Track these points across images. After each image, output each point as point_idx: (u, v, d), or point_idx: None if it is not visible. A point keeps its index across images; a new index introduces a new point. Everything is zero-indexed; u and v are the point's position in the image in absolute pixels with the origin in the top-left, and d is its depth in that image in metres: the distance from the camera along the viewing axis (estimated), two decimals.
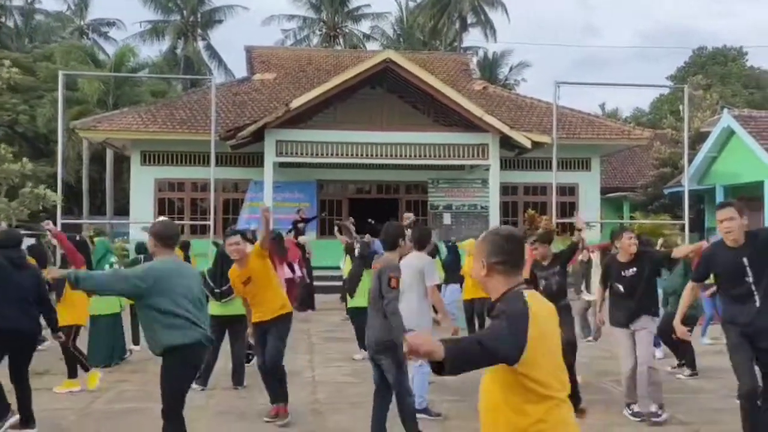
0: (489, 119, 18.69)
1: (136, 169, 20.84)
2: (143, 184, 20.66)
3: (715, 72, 42.55)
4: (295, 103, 18.31)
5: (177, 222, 20.21)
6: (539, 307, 2.48)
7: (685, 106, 19.76)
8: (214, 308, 7.26)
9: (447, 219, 21.34)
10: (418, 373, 6.03)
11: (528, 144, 18.63)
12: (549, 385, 2.43)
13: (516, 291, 2.51)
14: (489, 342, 2.29)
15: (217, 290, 7.35)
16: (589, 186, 21.85)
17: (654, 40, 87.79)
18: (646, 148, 28.97)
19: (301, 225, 17.71)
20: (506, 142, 19.31)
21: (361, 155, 19.22)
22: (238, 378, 7.31)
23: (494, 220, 19.32)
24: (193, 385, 6.94)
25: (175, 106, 21.39)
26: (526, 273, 8.53)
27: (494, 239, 2.61)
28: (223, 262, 7.36)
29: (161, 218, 6.14)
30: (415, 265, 5.94)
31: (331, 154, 19.14)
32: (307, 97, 18.49)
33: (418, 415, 5.65)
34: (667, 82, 44.59)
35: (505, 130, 18.67)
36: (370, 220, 21.04)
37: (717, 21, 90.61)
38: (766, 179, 20.06)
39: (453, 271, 11.18)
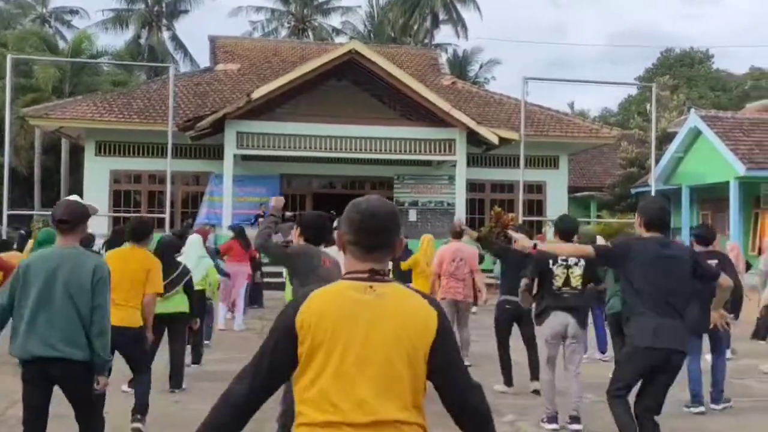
0: (456, 114, 18.32)
1: (91, 160, 20.04)
2: (98, 176, 19.86)
3: (682, 74, 42.85)
4: (257, 94, 17.73)
5: (133, 215, 19.69)
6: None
7: (652, 104, 19.67)
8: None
9: (413, 216, 20.93)
10: None
11: (495, 140, 18.30)
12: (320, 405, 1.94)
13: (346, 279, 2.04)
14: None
15: None
16: (556, 184, 21.62)
17: (623, 43, 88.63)
18: (614, 148, 28.87)
19: (262, 219, 17.13)
20: (473, 138, 18.97)
21: (326, 149, 18.74)
22: (176, 380, 6.76)
23: (461, 217, 18.94)
24: (125, 388, 6.43)
25: (132, 95, 20.63)
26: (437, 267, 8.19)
27: (349, 211, 2.08)
28: (163, 255, 6.86)
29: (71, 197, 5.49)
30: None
31: (295, 147, 18.61)
32: (270, 87, 17.92)
33: None
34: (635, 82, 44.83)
35: (473, 125, 18.31)
36: (332, 211, 20.59)
37: (685, 24, 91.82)
38: (732, 180, 20.02)
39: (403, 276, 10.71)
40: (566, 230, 5.76)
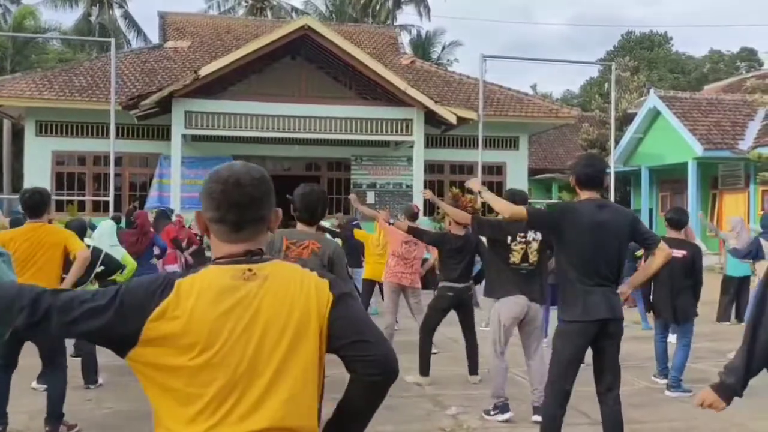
0: (413, 93, 17.80)
1: (31, 140, 19.05)
2: (39, 157, 18.88)
3: (642, 56, 42.91)
4: (205, 71, 16.96)
5: (77, 198, 18.87)
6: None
7: (612, 84, 19.41)
8: None
9: (371, 198, 20.41)
10: None
11: (453, 119, 17.85)
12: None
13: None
14: None
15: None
16: (516, 165, 21.27)
17: (584, 27, 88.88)
18: (575, 130, 28.75)
19: None
20: (432, 118, 18.49)
21: (279, 129, 18.08)
22: (89, 376, 6.15)
23: (418, 198, 18.51)
24: (34, 384, 5.86)
25: (74, 72, 19.63)
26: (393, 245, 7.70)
27: (209, 182, 1.68)
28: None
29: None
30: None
31: (246, 127, 17.92)
32: (219, 64, 17.16)
33: None
34: (597, 66, 44.78)
35: (430, 104, 17.82)
36: (288, 196, 19.98)
37: (645, 8, 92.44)
38: (690, 160, 19.91)
39: (356, 255, 10.24)
40: (679, 221, 6.50)
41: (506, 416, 5.25)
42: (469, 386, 6.41)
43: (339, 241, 12.14)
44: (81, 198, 18.73)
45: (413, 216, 8.02)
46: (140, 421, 5.07)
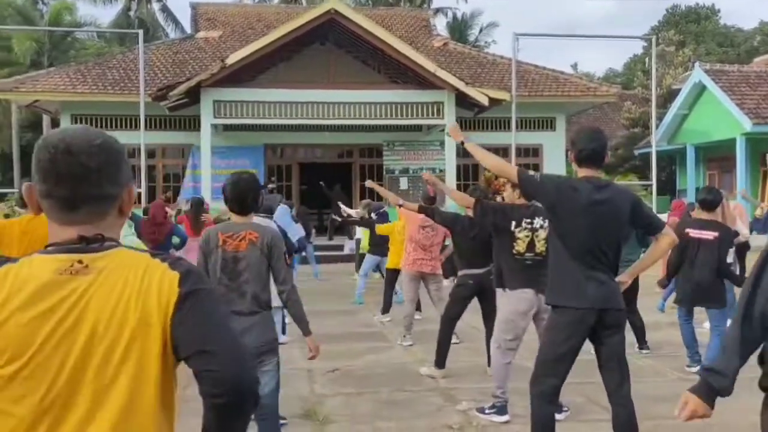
0: (443, 74, 17.35)
1: None
2: None
3: (688, 30, 41.37)
4: (232, 59, 16.83)
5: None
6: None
7: (652, 57, 18.61)
8: None
9: (404, 183, 20.11)
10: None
11: (485, 101, 17.35)
12: None
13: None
14: None
15: None
16: (553, 147, 20.64)
17: (629, 6, 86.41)
18: (617, 109, 27.87)
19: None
20: (464, 100, 18.02)
21: (309, 116, 17.86)
22: None
23: (451, 183, 18.12)
24: None
25: (107, 65, 19.76)
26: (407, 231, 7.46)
27: (38, 148, 1.39)
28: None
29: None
30: None
31: (276, 115, 17.74)
32: (246, 52, 17.00)
33: None
34: (640, 42, 43.39)
35: (461, 86, 17.35)
36: (321, 183, 19.84)
37: None
38: (738, 136, 19.00)
39: (383, 244, 9.96)
40: (713, 201, 6.01)
41: (503, 419, 4.89)
42: (486, 379, 6.05)
43: (364, 231, 11.92)
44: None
45: (430, 200, 7.67)
46: None
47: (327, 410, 5.10)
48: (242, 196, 3.70)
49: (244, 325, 3.46)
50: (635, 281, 6.96)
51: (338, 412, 5.09)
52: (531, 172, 3.67)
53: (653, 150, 18.20)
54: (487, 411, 4.95)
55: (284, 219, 9.84)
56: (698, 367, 5.98)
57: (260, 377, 3.59)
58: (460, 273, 6.32)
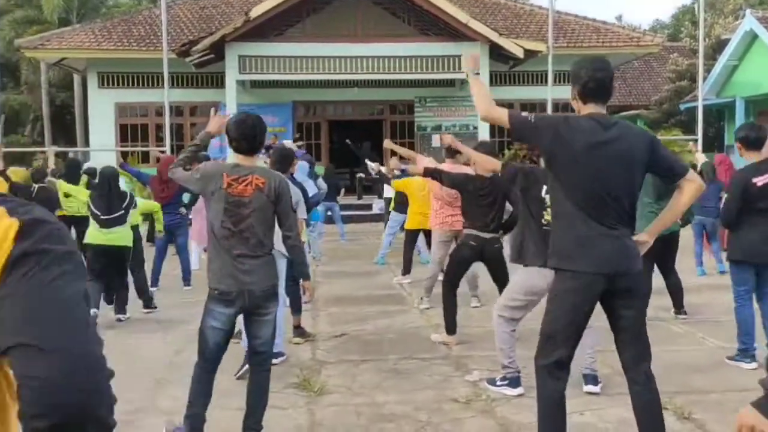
0: (475, 25, 16.55)
1: (94, 93, 19.10)
2: (103, 109, 18.95)
3: None
4: (256, 12, 16.30)
5: (141, 149, 18.85)
6: None
7: (700, 6, 17.45)
8: (95, 236, 6.48)
9: (436, 141, 19.46)
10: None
11: (520, 53, 16.53)
12: None
13: None
14: None
15: (102, 216, 6.47)
16: None
17: None
18: (663, 61, 26.56)
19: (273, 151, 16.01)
20: (498, 53, 17.22)
21: (338, 70, 17.28)
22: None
23: (485, 140, 17.48)
24: None
25: (133, 21, 19.40)
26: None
27: None
28: (109, 185, 6.66)
29: None
30: None
31: (303, 70, 17.21)
32: (270, 4, 16.42)
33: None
34: None
35: (494, 37, 16.54)
36: (348, 141, 19.33)
37: None
38: None
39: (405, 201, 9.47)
40: (757, 139, 4.91)
41: (515, 391, 4.40)
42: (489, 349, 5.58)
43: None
44: (145, 149, 18.68)
45: (452, 152, 7.09)
46: (119, 388, 4.57)
47: (325, 380, 4.69)
48: (250, 134, 3.48)
49: (246, 267, 3.38)
50: (673, 237, 6.34)
51: (336, 382, 4.67)
52: (524, 114, 3.11)
53: (700, 104, 17.15)
54: (498, 383, 4.48)
55: (301, 175, 9.44)
56: (751, 363, 5.01)
57: (259, 327, 3.32)
58: (464, 232, 5.80)
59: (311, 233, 10.14)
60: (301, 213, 4.76)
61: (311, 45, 16.94)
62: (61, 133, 26.68)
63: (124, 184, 7.81)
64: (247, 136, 3.46)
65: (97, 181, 7.35)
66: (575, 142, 2.94)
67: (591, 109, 3.03)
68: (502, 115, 3.08)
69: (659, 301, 6.65)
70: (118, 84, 19.03)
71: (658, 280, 6.48)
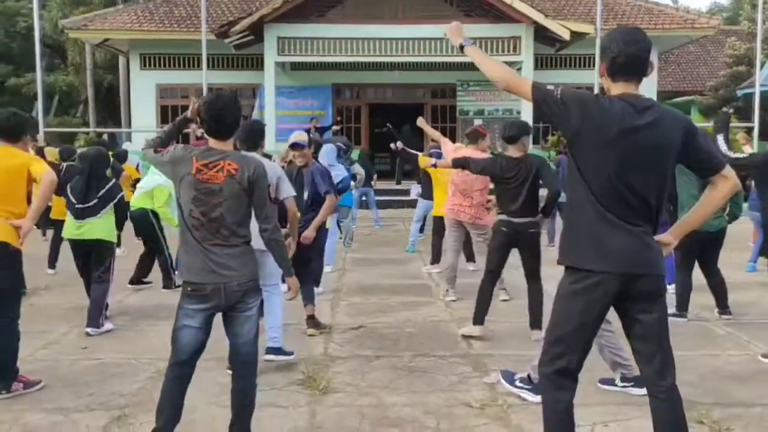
0: (520, 6, 16.00)
1: (136, 74, 19.20)
2: (144, 91, 19.05)
3: None
4: None
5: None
6: None
7: None
8: (68, 228, 5.74)
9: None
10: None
11: (566, 35, 15.92)
12: None
13: None
14: None
15: (77, 206, 5.66)
16: (643, 87, 18.68)
17: None
18: (720, 45, 25.47)
19: (314, 135, 15.85)
20: (543, 35, 16.65)
21: (378, 53, 16.96)
22: (91, 320, 5.54)
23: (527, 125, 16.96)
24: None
25: (175, 2, 19.38)
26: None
27: None
28: (91, 170, 5.75)
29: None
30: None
31: (343, 52, 16.94)
32: None
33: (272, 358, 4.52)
34: None
35: (540, 18, 15.98)
36: (387, 125, 18.99)
37: None
38: None
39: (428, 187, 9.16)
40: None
41: (537, 398, 4.06)
42: (528, 344, 5.23)
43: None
44: (185, 131, 18.68)
45: (472, 138, 6.74)
46: (118, 379, 4.41)
47: (332, 377, 4.43)
48: (220, 115, 3.12)
49: (221, 259, 3.10)
50: (720, 234, 5.89)
51: (345, 379, 4.40)
52: (550, 86, 2.72)
53: (757, 89, 16.34)
54: (518, 383, 4.12)
55: (329, 158, 9.16)
56: None
57: (240, 325, 3.23)
58: (496, 218, 5.49)
59: (342, 219, 9.89)
60: (288, 191, 4.32)
61: (352, 26, 16.66)
62: (110, 114, 26.98)
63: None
64: (217, 117, 3.12)
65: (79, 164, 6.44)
66: (604, 126, 2.56)
67: (621, 88, 2.65)
68: (524, 85, 2.69)
69: (701, 298, 6.21)
70: (159, 65, 19.07)
71: (699, 275, 6.05)
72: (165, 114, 19.28)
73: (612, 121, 2.55)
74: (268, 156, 5.48)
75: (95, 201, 5.62)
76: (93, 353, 4.99)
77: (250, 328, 3.20)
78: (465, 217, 6.47)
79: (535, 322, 5.34)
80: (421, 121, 7.45)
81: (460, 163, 5.57)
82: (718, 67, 25.58)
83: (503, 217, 5.32)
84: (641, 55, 2.63)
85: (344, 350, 5.07)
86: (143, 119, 18.81)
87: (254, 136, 4.57)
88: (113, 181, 5.94)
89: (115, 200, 5.75)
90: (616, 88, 2.66)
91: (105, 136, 19.81)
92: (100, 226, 5.62)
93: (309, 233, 5.40)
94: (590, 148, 2.59)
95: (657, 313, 2.66)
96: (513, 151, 5.25)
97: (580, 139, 2.61)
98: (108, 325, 5.54)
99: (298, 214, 4.82)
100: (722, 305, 6.09)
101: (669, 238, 2.76)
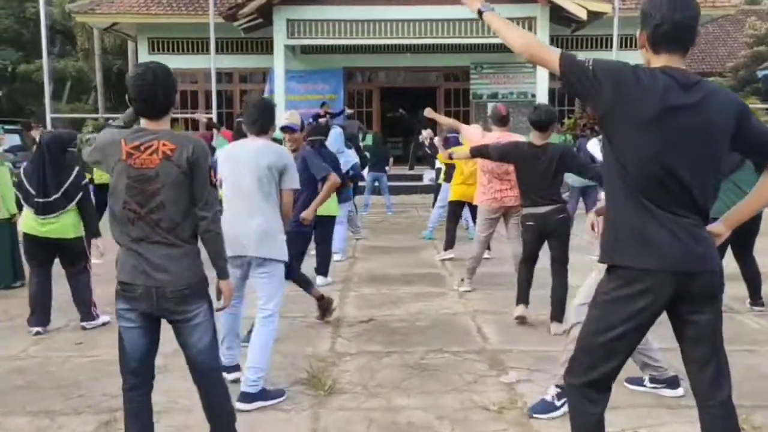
0: None
1: (144, 59, 18.84)
2: None
3: None
4: None
5: (190, 116, 18.61)
6: None
7: None
8: (28, 223, 5.13)
9: (491, 110, 18.59)
10: (262, 329, 3.81)
11: (583, 15, 15.46)
12: None
13: None
14: None
15: (37, 199, 5.05)
16: None
17: None
18: (740, 25, 24.82)
19: (323, 120, 15.54)
20: (559, 15, 16.18)
21: (390, 34, 16.56)
22: (82, 315, 5.27)
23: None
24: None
25: None
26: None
27: None
28: (51, 159, 5.05)
29: None
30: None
31: (354, 35, 16.55)
32: None
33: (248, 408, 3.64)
34: None
35: None
36: (400, 110, 18.68)
37: None
38: None
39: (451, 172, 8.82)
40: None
41: (680, 391, 3.75)
42: (548, 339, 4.93)
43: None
44: (194, 115, 18.43)
45: (501, 120, 6.36)
46: (110, 378, 4.13)
47: (338, 375, 4.14)
48: (150, 92, 2.68)
49: (156, 260, 2.68)
50: (755, 219, 5.52)
51: (352, 378, 4.11)
52: (581, 57, 2.38)
53: None
54: (556, 400, 3.56)
55: (336, 143, 8.85)
56: None
57: (188, 335, 2.80)
58: (522, 212, 5.21)
59: (349, 210, 9.53)
60: (293, 183, 3.86)
61: (363, 8, 16.26)
62: (121, 100, 26.80)
63: None
64: (144, 95, 2.68)
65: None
66: (644, 103, 2.22)
67: (664, 61, 2.30)
68: (550, 54, 2.34)
69: (732, 289, 5.83)
70: (168, 50, 18.78)
71: (730, 262, 5.69)
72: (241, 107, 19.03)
73: (653, 98, 2.21)
74: (278, 141, 5.07)
75: (57, 196, 4.99)
76: (87, 350, 4.73)
77: (200, 337, 2.79)
78: (511, 201, 6.04)
79: (557, 314, 5.06)
80: (429, 111, 7.03)
81: (479, 152, 5.34)
82: (738, 47, 24.94)
83: (528, 210, 5.10)
84: (689, 23, 2.28)
85: (352, 345, 4.78)
86: None
87: (266, 117, 3.89)
88: (76, 169, 5.17)
89: (81, 192, 5.10)
90: (658, 61, 2.31)
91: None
92: (68, 224, 5.07)
93: (308, 214, 5.02)
94: (627, 128, 2.26)
95: (711, 314, 2.32)
96: (537, 139, 5.00)
97: (614, 118, 2.27)
98: (104, 317, 5.25)
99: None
100: (755, 296, 5.74)
101: (721, 228, 2.42)
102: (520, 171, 5.15)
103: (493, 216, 6.24)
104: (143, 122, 2.77)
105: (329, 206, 6.22)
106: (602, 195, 3.37)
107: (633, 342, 2.36)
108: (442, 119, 7.22)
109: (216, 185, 2.86)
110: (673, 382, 3.78)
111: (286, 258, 3.84)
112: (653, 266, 2.23)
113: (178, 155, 2.68)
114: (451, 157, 6.22)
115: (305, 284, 5.26)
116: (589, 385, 2.37)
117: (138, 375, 2.82)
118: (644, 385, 3.86)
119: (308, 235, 5.47)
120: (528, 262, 5.29)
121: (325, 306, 5.32)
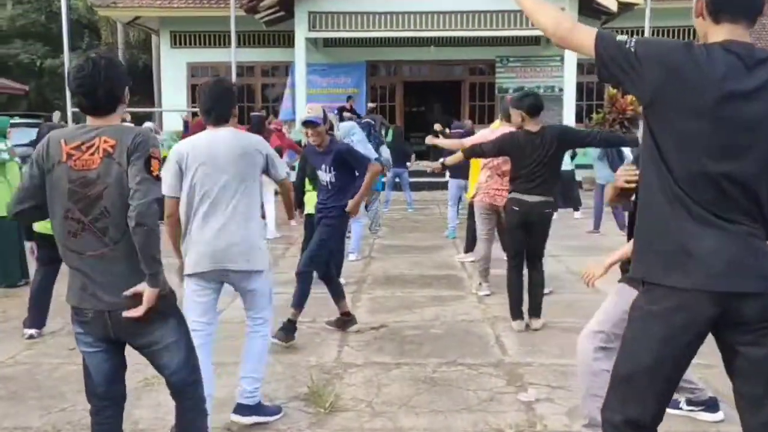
0: None
1: (166, 52, 18.79)
2: (175, 70, 18.61)
3: None
4: None
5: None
6: None
7: None
8: (42, 224, 4.84)
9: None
10: (254, 338, 3.47)
11: (613, 6, 14.95)
12: None
13: None
14: None
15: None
16: None
17: None
18: None
19: (347, 114, 15.27)
20: (589, 6, 15.67)
21: (414, 27, 16.20)
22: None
23: (569, 103, 16.09)
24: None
25: None
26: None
27: None
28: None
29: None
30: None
31: (377, 27, 16.22)
32: None
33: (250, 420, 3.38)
34: None
35: None
36: (423, 108, 18.32)
37: None
38: None
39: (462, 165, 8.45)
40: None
41: (720, 415, 3.40)
42: (572, 352, 4.54)
43: None
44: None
45: (510, 116, 6.02)
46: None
47: (341, 390, 3.83)
48: (91, 84, 2.35)
49: (102, 277, 2.35)
50: None
51: (357, 393, 3.80)
52: (620, 37, 2.01)
53: None
54: (685, 406, 3.43)
55: (350, 137, 8.53)
56: None
57: (158, 357, 2.53)
58: (508, 197, 5.08)
59: (370, 205, 9.25)
60: (282, 170, 3.44)
61: (385, 0, 15.92)
62: (147, 94, 26.74)
63: None
64: (83, 89, 2.36)
65: None
66: (698, 88, 1.86)
67: (725, 34, 1.93)
68: (585, 34, 1.98)
69: None
70: (190, 43, 18.63)
71: None
72: (195, 93, 18.85)
73: (710, 82, 1.85)
74: (298, 142, 4.79)
75: None
76: (78, 356, 4.45)
77: (170, 358, 2.50)
78: (503, 201, 5.75)
79: (534, 309, 5.06)
80: (430, 140, 6.62)
81: (473, 152, 5.20)
82: None
83: (514, 195, 4.90)
84: None
85: (360, 356, 4.47)
86: (174, 99, 18.41)
87: (223, 102, 3.35)
88: None
89: None
90: (718, 33, 1.94)
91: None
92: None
93: (353, 207, 4.79)
94: (675, 117, 1.90)
95: (759, 335, 1.94)
96: (532, 125, 4.83)
97: (660, 106, 1.91)
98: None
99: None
100: None
101: None
102: (517, 160, 4.94)
103: (488, 212, 6.12)
104: (88, 119, 2.44)
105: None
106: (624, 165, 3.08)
107: (674, 372, 2.01)
108: (444, 143, 6.84)
109: (160, 178, 2.46)
110: (712, 405, 3.41)
111: (267, 267, 3.44)
112: (691, 285, 1.88)
113: (119, 151, 2.33)
114: (444, 166, 5.87)
115: (336, 294, 4.98)
116: (628, 424, 2.01)
117: (106, 399, 2.57)
118: (680, 408, 3.49)
119: (343, 232, 5.38)
120: (513, 260, 5.08)
121: (345, 323, 5.01)
